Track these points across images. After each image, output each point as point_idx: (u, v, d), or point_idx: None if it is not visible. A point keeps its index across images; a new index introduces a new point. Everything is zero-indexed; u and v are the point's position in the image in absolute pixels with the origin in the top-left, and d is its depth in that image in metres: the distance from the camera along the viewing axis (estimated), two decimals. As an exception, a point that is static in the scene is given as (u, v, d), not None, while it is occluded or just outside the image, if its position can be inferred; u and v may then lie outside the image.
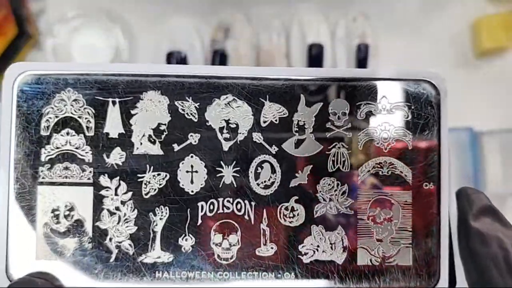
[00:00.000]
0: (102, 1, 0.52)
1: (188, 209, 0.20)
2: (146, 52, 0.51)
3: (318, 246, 0.20)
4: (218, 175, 0.20)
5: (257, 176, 0.20)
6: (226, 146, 0.20)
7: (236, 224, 0.20)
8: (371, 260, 0.20)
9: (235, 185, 0.20)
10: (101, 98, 0.20)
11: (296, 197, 0.20)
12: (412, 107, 0.20)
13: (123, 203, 0.20)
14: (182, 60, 0.47)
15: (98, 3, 0.51)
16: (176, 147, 0.20)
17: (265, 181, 0.20)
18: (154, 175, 0.20)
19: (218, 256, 0.20)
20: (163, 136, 0.20)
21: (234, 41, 0.49)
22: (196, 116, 0.20)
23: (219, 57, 0.48)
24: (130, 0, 0.52)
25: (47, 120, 0.20)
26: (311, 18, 0.50)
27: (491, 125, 0.49)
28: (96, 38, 0.51)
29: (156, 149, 0.20)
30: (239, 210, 0.20)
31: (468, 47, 0.51)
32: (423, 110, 0.20)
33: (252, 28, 0.50)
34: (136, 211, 0.20)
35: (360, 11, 0.50)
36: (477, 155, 0.47)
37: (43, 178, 0.20)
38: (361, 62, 0.49)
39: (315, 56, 0.49)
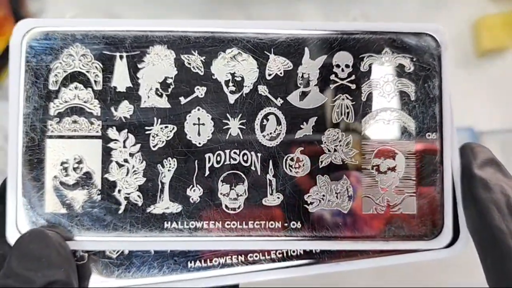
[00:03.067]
0: (102, 1, 0.52)
1: (196, 161, 0.20)
2: None
3: (323, 195, 0.21)
4: (224, 127, 0.21)
5: (263, 128, 0.21)
6: (232, 99, 0.21)
7: (243, 175, 0.21)
8: (375, 209, 0.21)
9: (242, 137, 0.21)
10: (108, 53, 0.20)
11: (302, 148, 0.21)
12: (414, 59, 0.21)
13: (131, 155, 0.20)
14: None
15: (98, 3, 0.52)
16: (183, 100, 0.21)
17: (270, 133, 0.21)
18: (161, 128, 0.20)
19: (226, 206, 0.20)
20: (170, 90, 0.20)
21: None
22: (202, 70, 0.21)
23: None
24: (130, 0, 0.52)
25: (56, 74, 0.20)
26: (311, 18, 0.51)
27: (492, 125, 0.49)
28: None
29: (163, 102, 0.20)
30: (246, 161, 0.21)
31: (469, 47, 0.51)
32: (425, 62, 0.21)
33: None
34: (144, 163, 0.20)
35: (360, 11, 0.50)
36: None
37: (52, 131, 0.20)
38: None
39: None
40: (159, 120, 0.20)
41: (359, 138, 0.21)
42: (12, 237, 0.20)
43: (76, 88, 0.20)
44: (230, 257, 0.21)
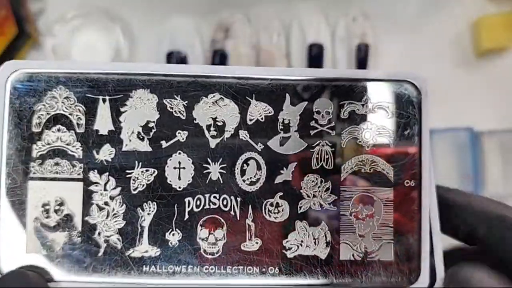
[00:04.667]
0: (102, 1, 0.52)
1: (176, 205, 0.21)
2: (146, 52, 0.51)
3: (302, 241, 0.21)
4: (205, 171, 0.21)
5: (243, 172, 0.21)
6: (213, 143, 0.21)
7: (222, 220, 0.21)
8: (353, 255, 0.21)
9: (222, 181, 0.21)
10: (91, 96, 0.21)
11: (281, 193, 0.21)
12: (394, 107, 0.21)
13: (112, 198, 0.20)
14: (182, 60, 0.48)
15: (98, 3, 0.52)
16: (164, 144, 0.21)
17: (250, 178, 0.21)
18: (142, 171, 0.21)
19: (204, 250, 0.21)
20: (151, 133, 0.21)
21: (234, 41, 0.49)
22: (184, 114, 0.21)
23: (219, 57, 0.48)
24: (130, 0, 0.52)
25: (39, 116, 0.21)
26: (311, 18, 0.51)
27: (491, 125, 0.49)
28: (96, 38, 0.51)
29: (144, 146, 0.21)
30: (225, 206, 0.21)
31: (468, 47, 0.51)
32: (405, 110, 0.21)
33: (252, 28, 0.50)
34: (124, 206, 0.20)
35: (360, 11, 0.50)
36: (477, 155, 0.47)
37: (34, 173, 0.20)
38: (361, 62, 0.49)
39: (315, 56, 0.49)
40: (140, 163, 0.21)
41: (338, 184, 0.21)
42: (-8, 277, 0.20)
43: (59, 130, 0.21)
44: None
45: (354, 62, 0.50)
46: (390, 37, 0.51)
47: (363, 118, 0.21)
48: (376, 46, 0.50)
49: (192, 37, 0.50)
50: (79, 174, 0.21)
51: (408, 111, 0.21)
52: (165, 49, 0.49)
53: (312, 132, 0.21)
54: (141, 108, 0.21)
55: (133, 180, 0.21)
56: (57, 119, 0.21)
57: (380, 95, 0.21)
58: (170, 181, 0.21)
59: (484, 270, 0.18)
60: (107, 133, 0.21)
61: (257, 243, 0.21)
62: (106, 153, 0.21)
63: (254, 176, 0.21)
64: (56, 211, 0.20)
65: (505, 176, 0.48)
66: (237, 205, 0.21)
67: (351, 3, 0.51)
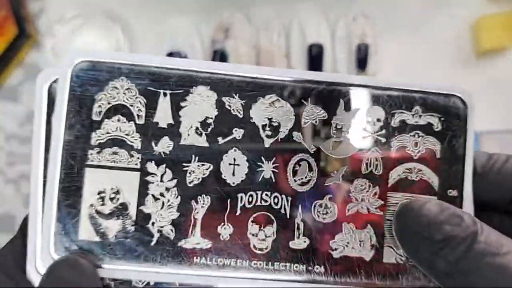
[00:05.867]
0: (102, 1, 0.52)
1: (228, 200, 0.21)
2: (146, 52, 0.51)
3: (347, 242, 0.21)
4: (258, 169, 0.21)
5: (295, 173, 0.22)
6: (267, 142, 0.22)
7: (272, 217, 0.21)
8: (396, 259, 0.22)
9: (274, 180, 0.21)
10: (153, 89, 0.21)
11: (330, 195, 0.22)
12: (442, 119, 0.22)
13: (167, 189, 0.21)
14: None
15: (98, 3, 0.52)
16: (221, 141, 0.21)
17: (302, 178, 0.22)
18: (198, 165, 0.21)
19: (254, 246, 0.21)
20: (209, 129, 0.21)
21: (234, 41, 0.50)
22: (241, 113, 0.21)
23: (219, 57, 0.49)
24: (130, 0, 0.53)
25: (100, 105, 0.21)
26: (311, 18, 0.51)
27: (491, 125, 0.50)
28: (96, 38, 0.51)
29: (202, 141, 0.21)
30: (276, 204, 0.21)
31: (468, 47, 0.52)
32: (452, 122, 0.22)
33: (252, 28, 0.51)
34: (179, 198, 0.21)
35: (360, 11, 0.51)
36: None
37: (91, 160, 0.21)
38: (361, 62, 0.50)
39: (315, 56, 0.50)
40: (197, 157, 0.21)
41: (385, 190, 0.22)
42: (46, 261, 0.20)
43: (118, 120, 0.21)
44: None
45: (354, 62, 0.50)
46: (390, 37, 0.51)
47: (413, 127, 0.22)
48: (376, 46, 0.50)
49: (192, 37, 0.50)
50: (136, 164, 0.21)
51: (455, 124, 0.22)
52: (165, 49, 0.49)
53: (363, 138, 0.22)
54: (201, 104, 0.21)
55: (189, 173, 0.21)
56: (117, 109, 0.21)
57: (429, 107, 0.22)
58: (224, 176, 0.21)
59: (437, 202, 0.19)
60: (166, 126, 0.21)
61: (305, 241, 0.21)
62: (164, 146, 0.21)
63: (305, 177, 0.22)
64: (111, 199, 0.21)
65: None
66: (287, 204, 0.21)
67: (351, 3, 0.52)
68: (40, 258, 0.20)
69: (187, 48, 0.49)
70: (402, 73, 0.51)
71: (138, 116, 0.21)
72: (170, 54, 0.48)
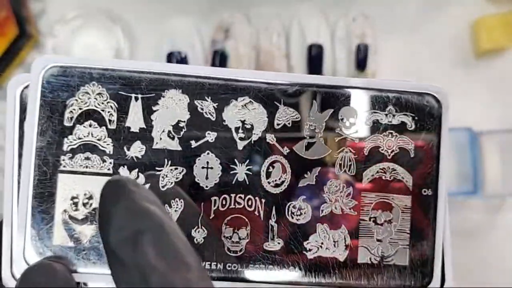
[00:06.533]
0: (102, 1, 0.52)
1: (202, 203, 0.21)
2: (147, 52, 0.51)
3: (322, 243, 0.22)
4: (231, 172, 0.21)
5: (268, 174, 0.22)
6: (240, 145, 0.21)
7: (246, 219, 0.21)
8: (370, 259, 0.22)
9: (247, 183, 0.21)
10: (124, 93, 0.21)
11: (304, 197, 0.22)
12: (416, 118, 0.22)
13: None
14: (182, 60, 0.48)
15: (98, 3, 0.52)
16: (194, 144, 0.21)
17: (275, 180, 0.22)
18: (171, 169, 0.21)
19: (228, 248, 0.21)
20: (181, 133, 0.21)
21: (234, 41, 0.50)
22: (214, 116, 0.21)
23: (219, 57, 0.49)
24: (130, 0, 0.52)
25: (71, 111, 0.21)
26: (311, 18, 0.51)
27: (491, 125, 0.50)
28: (96, 38, 0.51)
29: (174, 145, 0.21)
30: (250, 206, 0.21)
31: (468, 47, 0.52)
32: (426, 121, 0.22)
33: (252, 28, 0.51)
34: None
35: (360, 11, 0.51)
36: (476, 155, 0.48)
37: (64, 166, 0.21)
38: (361, 62, 0.50)
39: (315, 56, 0.50)
40: (170, 161, 0.21)
41: (359, 190, 0.22)
42: (19, 267, 0.20)
43: (90, 125, 0.21)
44: None
45: (354, 62, 0.50)
46: (390, 37, 0.51)
47: (386, 127, 0.22)
48: (376, 46, 0.50)
49: (192, 37, 0.50)
50: (109, 169, 0.21)
51: (429, 123, 0.22)
52: (165, 49, 0.49)
53: (336, 139, 0.22)
54: (173, 108, 0.21)
55: (162, 177, 0.21)
56: (89, 115, 0.21)
57: (403, 106, 0.22)
58: (198, 180, 0.21)
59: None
60: (138, 131, 0.21)
61: (279, 243, 0.21)
62: (136, 150, 0.21)
63: (279, 179, 0.22)
64: (84, 205, 0.21)
65: (504, 176, 0.48)
66: (261, 206, 0.21)
67: (351, 3, 0.51)
68: (15, 264, 0.21)
69: (187, 48, 0.49)
70: (402, 73, 0.51)
71: (109, 121, 0.21)
72: (170, 54, 0.48)
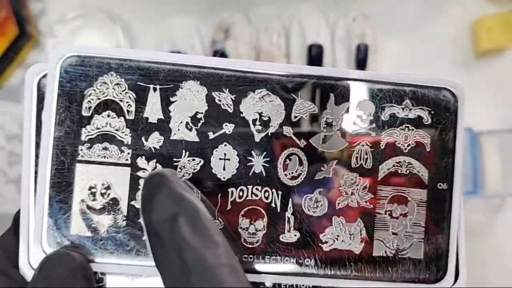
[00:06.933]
0: (102, 1, 0.52)
1: (219, 194, 0.21)
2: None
3: (338, 236, 0.22)
4: (248, 164, 0.21)
5: (285, 167, 0.22)
6: (257, 137, 0.22)
7: (263, 211, 0.21)
8: (385, 252, 0.22)
9: (264, 174, 0.22)
10: (142, 84, 0.21)
11: (320, 189, 0.22)
12: (432, 112, 0.22)
13: None
14: None
15: (98, 3, 0.52)
16: (211, 135, 0.21)
17: (292, 172, 0.22)
18: (189, 160, 0.21)
19: (245, 240, 0.21)
20: (199, 124, 0.21)
21: (234, 41, 0.50)
22: (232, 107, 0.21)
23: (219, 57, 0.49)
24: (130, 0, 0.52)
25: (89, 101, 0.21)
26: (311, 18, 0.51)
27: (491, 125, 0.50)
28: (96, 38, 0.51)
29: (192, 136, 0.21)
30: (267, 198, 0.22)
31: (468, 47, 0.52)
32: (442, 116, 0.22)
33: (252, 28, 0.51)
34: None
35: (360, 11, 0.51)
36: (476, 155, 0.48)
37: (82, 156, 0.21)
38: (361, 62, 0.50)
39: (315, 56, 0.50)
40: (187, 152, 0.21)
41: (375, 183, 0.22)
42: (37, 255, 0.20)
43: (108, 116, 0.21)
44: None
45: (353, 62, 0.50)
46: (390, 37, 0.51)
47: (402, 121, 0.22)
48: (376, 46, 0.51)
49: (192, 37, 0.50)
50: (127, 160, 0.21)
51: (445, 117, 0.22)
52: (165, 49, 0.49)
53: (353, 132, 0.22)
54: (191, 99, 0.21)
55: (180, 168, 0.21)
56: (107, 105, 0.21)
57: (419, 100, 0.22)
58: (215, 171, 0.21)
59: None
60: (156, 121, 0.21)
61: (295, 235, 0.21)
62: (154, 141, 0.21)
63: (296, 171, 0.22)
64: (102, 194, 0.21)
65: (504, 176, 0.48)
66: (278, 198, 0.22)
67: (351, 3, 0.52)
68: (32, 253, 0.21)
69: (187, 48, 0.49)
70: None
71: (128, 111, 0.21)
72: None
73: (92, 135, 0.21)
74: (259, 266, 0.21)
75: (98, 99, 0.21)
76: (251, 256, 0.21)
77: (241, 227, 0.21)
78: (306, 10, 0.51)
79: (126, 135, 0.21)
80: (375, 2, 0.52)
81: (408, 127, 0.22)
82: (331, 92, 0.22)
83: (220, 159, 0.21)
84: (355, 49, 0.50)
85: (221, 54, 0.48)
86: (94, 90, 0.21)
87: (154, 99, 0.21)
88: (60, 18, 0.51)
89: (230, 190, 0.21)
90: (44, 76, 0.21)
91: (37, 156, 0.21)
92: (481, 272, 0.51)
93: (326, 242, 0.22)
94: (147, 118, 0.21)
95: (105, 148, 0.21)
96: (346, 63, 0.51)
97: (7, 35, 0.49)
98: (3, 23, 0.49)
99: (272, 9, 0.52)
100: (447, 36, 0.52)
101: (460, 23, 0.52)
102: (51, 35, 0.50)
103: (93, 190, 0.21)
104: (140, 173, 0.21)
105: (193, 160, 0.21)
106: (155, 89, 0.21)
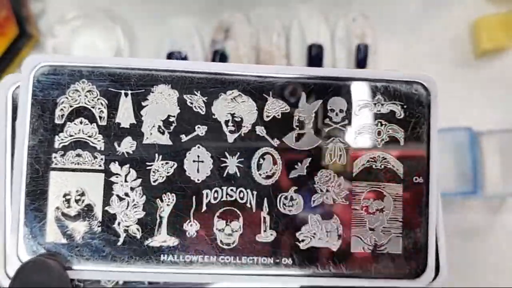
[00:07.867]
0: (102, 1, 0.52)
1: (194, 197, 0.21)
2: (147, 52, 0.52)
3: (314, 233, 0.22)
4: (222, 165, 0.21)
5: (259, 167, 0.22)
6: (231, 138, 0.22)
7: (238, 212, 0.21)
8: (363, 248, 0.22)
9: (239, 175, 0.22)
10: (114, 90, 0.21)
11: (295, 188, 0.22)
12: (405, 106, 0.22)
13: (132, 189, 0.21)
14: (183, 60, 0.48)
15: (98, 3, 0.52)
16: (184, 138, 0.21)
17: (266, 172, 0.22)
18: (162, 164, 0.21)
19: (221, 241, 0.21)
20: (172, 127, 0.21)
21: (234, 42, 0.50)
22: (204, 109, 0.22)
23: (219, 58, 0.49)
24: (130, 0, 0.53)
25: (62, 109, 0.21)
26: (311, 18, 0.51)
27: (491, 125, 0.49)
28: (96, 38, 0.51)
29: (165, 139, 0.21)
30: (242, 199, 0.21)
31: (468, 47, 0.51)
32: (415, 110, 0.22)
33: (252, 28, 0.51)
34: (144, 197, 0.21)
35: (360, 11, 0.51)
36: (476, 155, 0.47)
37: (56, 164, 0.21)
38: (361, 62, 0.50)
39: (315, 57, 0.50)
40: (160, 156, 0.21)
41: (350, 180, 0.22)
42: (13, 264, 0.20)
43: (81, 122, 0.21)
44: None
45: (353, 62, 0.50)
46: (390, 37, 0.51)
47: (375, 116, 0.22)
48: (376, 46, 0.51)
49: (192, 37, 0.50)
50: (100, 166, 0.21)
51: (418, 111, 0.22)
52: (165, 49, 0.50)
53: (326, 129, 0.22)
54: (162, 103, 0.21)
55: (153, 172, 0.21)
56: (79, 112, 0.21)
57: (391, 95, 0.22)
58: (189, 173, 0.21)
59: None
60: (128, 126, 0.21)
61: (271, 234, 0.21)
62: (127, 146, 0.21)
63: (270, 171, 0.22)
64: (77, 201, 0.21)
65: (504, 176, 0.48)
66: (253, 198, 0.21)
67: (351, 3, 0.51)
68: (9, 262, 0.21)
69: (187, 48, 0.49)
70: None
71: (100, 117, 0.21)
72: (170, 54, 0.48)
73: (65, 142, 0.21)
74: (236, 267, 0.21)
75: (71, 106, 0.21)
76: (228, 257, 0.21)
77: (217, 228, 0.21)
78: (306, 10, 0.51)
79: (98, 141, 0.21)
80: (375, 2, 0.52)
81: (381, 122, 0.22)
82: (303, 90, 0.22)
83: (194, 161, 0.21)
84: (355, 49, 0.50)
85: (221, 54, 0.49)
86: (67, 98, 0.21)
87: (126, 104, 0.21)
88: (60, 18, 0.51)
89: (205, 192, 0.21)
90: (18, 86, 0.21)
91: (12, 166, 0.21)
92: (481, 272, 0.50)
93: (303, 241, 0.21)
94: (119, 124, 0.21)
95: (79, 155, 0.21)
96: (346, 63, 0.51)
97: (7, 35, 0.50)
98: (3, 23, 0.50)
99: (272, 9, 0.52)
100: (447, 36, 0.52)
101: (460, 23, 0.52)
102: (51, 35, 0.51)
103: (68, 197, 0.21)
104: (113, 179, 0.21)
105: (167, 163, 0.21)
106: (126, 95, 0.21)
